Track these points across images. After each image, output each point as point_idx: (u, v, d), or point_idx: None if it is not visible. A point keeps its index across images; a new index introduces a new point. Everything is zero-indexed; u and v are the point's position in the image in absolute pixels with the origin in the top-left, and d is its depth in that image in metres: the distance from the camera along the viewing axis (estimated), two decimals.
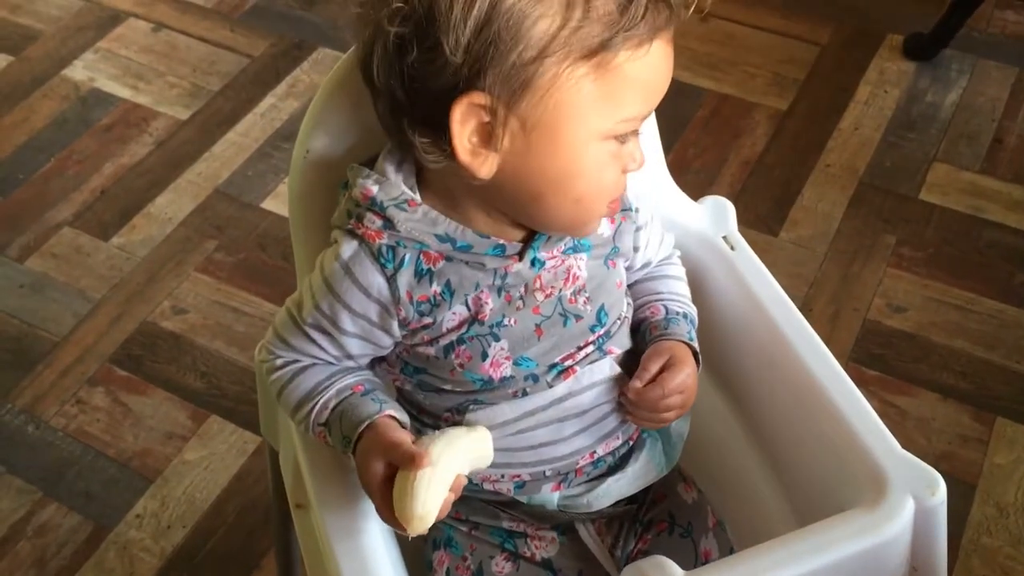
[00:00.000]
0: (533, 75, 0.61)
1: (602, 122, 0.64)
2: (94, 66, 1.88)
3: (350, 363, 0.73)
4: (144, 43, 1.92)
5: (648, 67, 0.63)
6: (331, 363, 0.73)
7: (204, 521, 1.28)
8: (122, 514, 1.28)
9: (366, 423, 0.68)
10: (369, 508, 0.69)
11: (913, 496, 0.66)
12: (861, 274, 1.50)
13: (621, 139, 0.66)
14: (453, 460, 0.65)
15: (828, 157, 1.67)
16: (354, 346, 0.71)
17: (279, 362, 0.73)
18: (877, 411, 0.72)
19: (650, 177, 0.79)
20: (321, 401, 0.71)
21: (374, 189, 0.68)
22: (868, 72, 1.80)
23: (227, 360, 1.43)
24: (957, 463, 1.29)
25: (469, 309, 0.69)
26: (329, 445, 0.71)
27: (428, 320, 0.69)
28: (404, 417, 0.70)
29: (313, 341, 0.71)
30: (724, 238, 0.83)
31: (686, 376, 0.74)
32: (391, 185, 0.68)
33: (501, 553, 0.79)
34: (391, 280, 0.68)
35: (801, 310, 0.79)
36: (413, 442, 0.66)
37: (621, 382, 0.75)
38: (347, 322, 0.69)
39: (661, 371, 0.74)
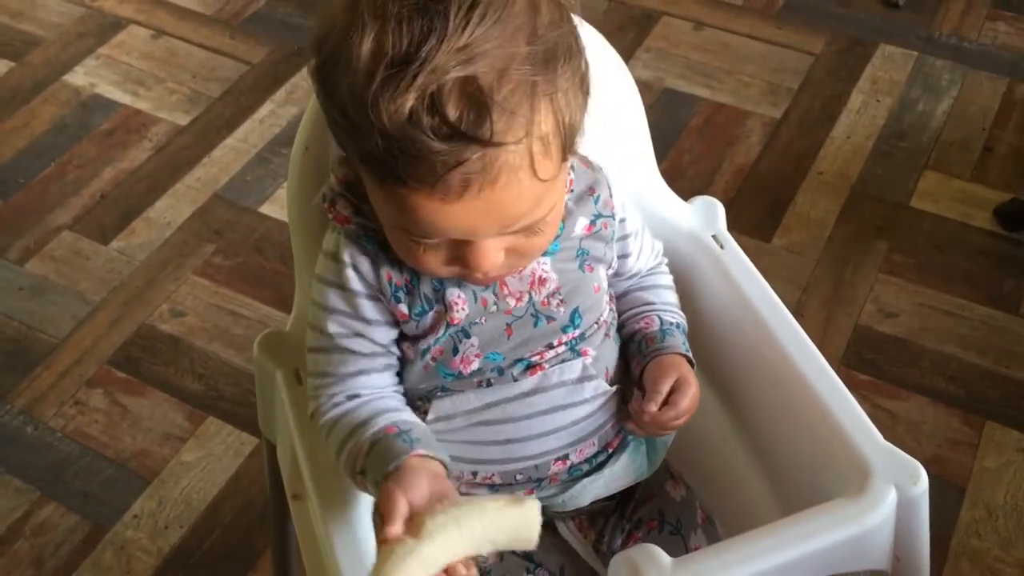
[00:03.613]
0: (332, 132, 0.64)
1: (385, 213, 0.64)
2: (95, 72, 1.90)
3: (389, 359, 0.72)
4: (144, 49, 1.94)
5: (402, 204, 0.60)
6: (373, 373, 0.71)
7: (201, 521, 1.28)
8: (120, 514, 1.29)
9: (393, 465, 0.65)
10: (365, 498, 0.70)
11: (896, 486, 0.67)
12: (853, 280, 1.51)
13: (412, 238, 0.63)
14: (451, 541, 0.57)
15: (821, 165, 1.68)
16: (380, 334, 0.71)
17: (324, 406, 0.71)
18: (868, 415, 0.73)
19: (640, 177, 0.81)
20: (356, 449, 0.69)
21: (352, 175, 0.69)
22: (861, 81, 1.82)
23: (225, 362, 1.44)
24: (947, 466, 1.30)
25: (446, 310, 0.70)
26: (373, 494, 0.68)
27: (403, 309, 0.70)
28: (438, 453, 0.67)
29: (347, 350, 0.71)
30: (714, 237, 0.84)
31: (694, 396, 0.75)
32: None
33: None
34: (374, 261, 0.70)
35: (794, 315, 0.80)
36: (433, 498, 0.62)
37: (594, 384, 0.75)
38: (366, 308, 0.70)
39: (671, 391, 0.75)
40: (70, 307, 1.52)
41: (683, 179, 1.64)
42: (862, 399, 0.74)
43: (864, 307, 1.48)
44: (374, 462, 0.66)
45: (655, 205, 0.85)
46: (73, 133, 1.79)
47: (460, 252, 0.64)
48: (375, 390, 0.72)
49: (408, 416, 0.71)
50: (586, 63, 0.62)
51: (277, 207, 1.65)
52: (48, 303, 1.53)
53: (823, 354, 0.78)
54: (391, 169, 0.58)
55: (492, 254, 0.64)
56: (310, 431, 0.75)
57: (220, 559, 1.26)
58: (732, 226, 0.88)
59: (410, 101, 0.56)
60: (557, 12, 0.60)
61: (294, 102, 1.83)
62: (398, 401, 0.73)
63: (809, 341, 0.76)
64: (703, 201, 0.87)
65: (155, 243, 1.60)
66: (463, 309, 0.70)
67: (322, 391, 0.72)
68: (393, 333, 0.72)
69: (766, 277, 0.83)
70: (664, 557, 0.63)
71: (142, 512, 1.29)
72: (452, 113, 0.56)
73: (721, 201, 0.89)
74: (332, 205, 0.69)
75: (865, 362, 1.41)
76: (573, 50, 0.60)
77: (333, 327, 0.70)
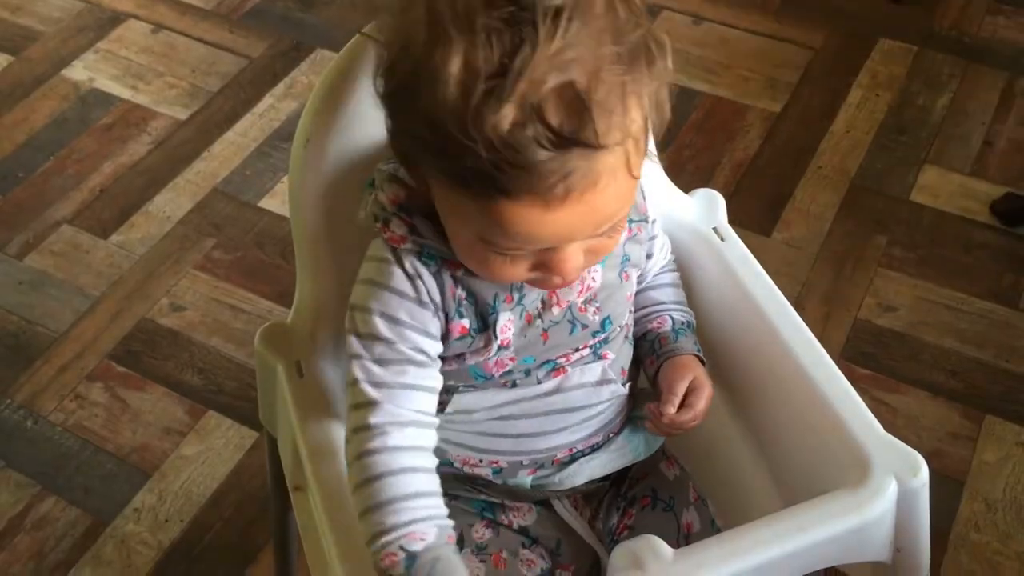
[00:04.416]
0: (406, 151, 0.64)
1: (470, 228, 0.63)
2: (94, 66, 1.90)
3: (436, 380, 0.71)
4: (144, 44, 1.94)
5: (500, 216, 0.60)
6: (424, 392, 0.70)
7: (201, 515, 1.28)
8: (120, 508, 1.29)
9: None
10: None
11: (896, 478, 0.67)
12: (853, 274, 1.52)
13: (498, 251, 0.63)
14: None
15: (820, 159, 1.68)
16: (435, 348, 0.70)
17: (375, 427, 0.67)
18: (868, 409, 0.73)
19: (642, 170, 0.80)
20: (418, 530, 0.66)
21: (403, 195, 0.69)
22: (860, 76, 1.82)
23: (225, 356, 1.44)
24: (946, 460, 1.31)
25: (495, 337, 0.70)
26: (397, 561, 0.66)
27: (465, 324, 0.70)
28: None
29: (405, 359, 0.69)
30: (714, 229, 0.84)
31: (709, 397, 0.77)
32: (418, 194, 0.68)
33: (480, 520, 0.80)
34: (437, 277, 0.69)
35: (794, 309, 0.80)
36: None
37: (612, 388, 0.77)
38: (429, 320, 0.69)
39: (687, 393, 0.76)
40: (70, 301, 1.52)
41: (683, 173, 1.64)
42: (861, 393, 0.74)
43: (863, 301, 1.48)
44: (436, 565, 0.65)
45: (657, 198, 0.85)
46: (72, 127, 1.79)
47: (544, 259, 0.64)
48: (421, 417, 0.69)
49: (443, 506, 0.69)
50: (667, 58, 0.62)
51: (277, 202, 1.65)
52: (48, 297, 1.53)
53: (823, 348, 0.78)
54: (494, 182, 0.58)
55: (576, 257, 0.64)
56: (311, 423, 0.75)
57: (221, 552, 1.26)
58: (732, 220, 0.88)
59: (512, 113, 0.56)
60: (632, 10, 0.60)
61: (294, 96, 1.83)
62: (432, 456, 0.70)
63: (810, 333, 0.76)
64: (704, 193, 0.87)
65: (155, 237, 1.60)
66: (510, 330, 0.71)
67: (376, 396, 0.68)
68: (441, 348, 0.71)
69: (766, 271, 0.83)
70: (666, 549, 0.63)
71: (143, 506, 1.29)
72: (554, 120, 0.56)
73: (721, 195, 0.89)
74: (386, 225, 0.69)
75: (865, 356, 1.42)
76: (652, 48, 0.61)
77: (390, 333, 0.68)
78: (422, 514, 0.66)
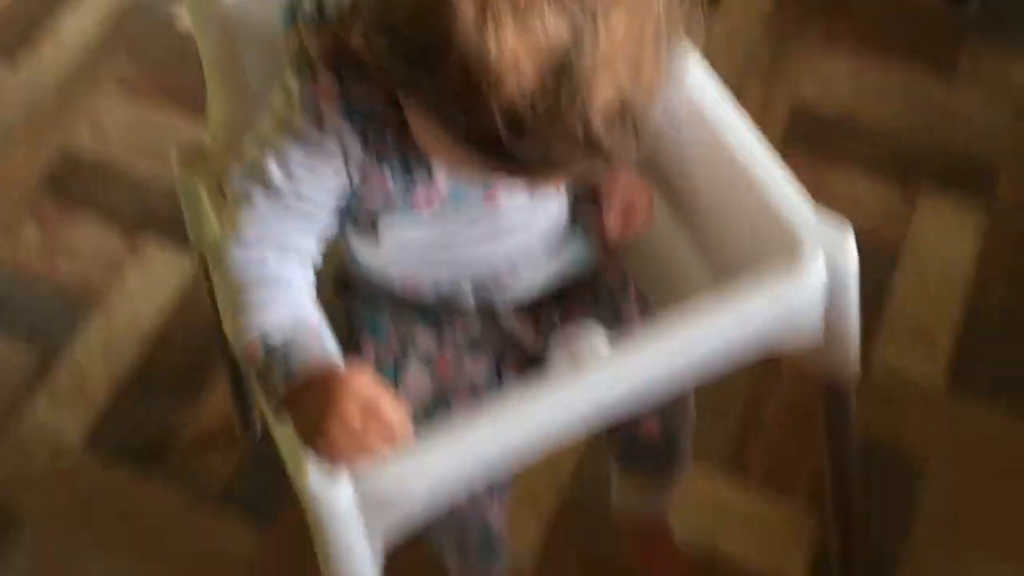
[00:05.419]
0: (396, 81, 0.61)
1: (467, 164, 0.60)
2: None
3: (325, 224, 0.70)
4: None
5: (510, 177, 0.60)
6: (307, 234, 0.69)
7: (152, 342, 1.28)
8: (69, 341, 1.28)
9: (332, 357, 0.65)
10: None
11: (824, 251, 0.68)
12: (791, 57, 1.49)
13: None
14: None
15: None
16: (331, 202, 0.69)
17: (238, 256, 0.67)
18: (809, 192, 0.73)
19: None
20: (276, 320, 0.65)
21: (331, 46, 0.64)
22: None
23: (154, 178, 1.40)
24: (882, 237, 1.33)
25: (427, 189, 0.69)
26: (257, 351, 0.64)
27: (389, 185, 0.69)
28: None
29: (292, 209, 0.67)
30: None
31: (648, 199, 0.78)
32: (351, 50, 0.63)
33: (425, 329, 0.81)
34: (361, 132, 0.66)
35: (734, 96, 0.78)
36: None
37: (546, 207, 0.76)
38: (328, 175, 0.67)
39: (627, 199, 0.78)
40: None
41: None
42: (799, 175, 0.74)
43: (803, 84, 1.46)
44: (294, 345, 0.64)
45: None
46: None
47: None
48: (298, 253, 0.68)
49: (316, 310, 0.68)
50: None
51: None
52: None
53: (762, 134, 0.76)
54: (517, 163, 0.56)
55: None
56: None
57: (174, 379, 1.25)
58: None
59: (568, 118, 0.54)
60: None
61: None
62: (307, 283, 0.69)
63: (740, 116, 0.75)
64: None
65: (65, 60, 1.51)
66: (442, 182, 0.70)
67: (251, 233, 0.67)
68: (335, 203, 0.69)
69: (705, 59, 0.81)
70: (603, 342, 0.64)
71: (90, 339, 1.28)
72: (602, 130, 0.55)
73: None
74: (313, 78, 0.65)
75: (803, 138, 1.41)
76: (692, 25, 0.59)
77: (283, 182, 0.66)
78: (281, 302, 0.65)
